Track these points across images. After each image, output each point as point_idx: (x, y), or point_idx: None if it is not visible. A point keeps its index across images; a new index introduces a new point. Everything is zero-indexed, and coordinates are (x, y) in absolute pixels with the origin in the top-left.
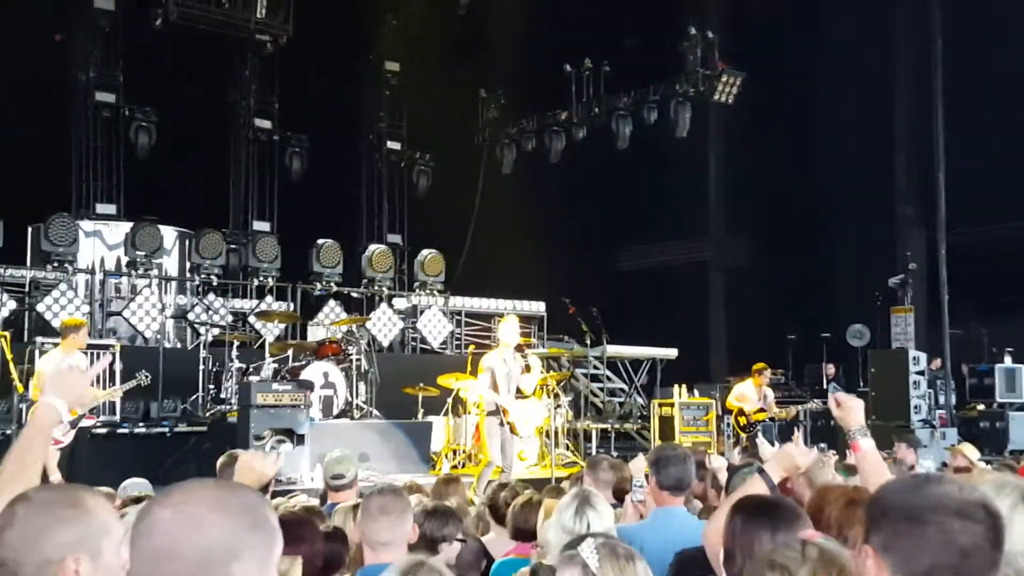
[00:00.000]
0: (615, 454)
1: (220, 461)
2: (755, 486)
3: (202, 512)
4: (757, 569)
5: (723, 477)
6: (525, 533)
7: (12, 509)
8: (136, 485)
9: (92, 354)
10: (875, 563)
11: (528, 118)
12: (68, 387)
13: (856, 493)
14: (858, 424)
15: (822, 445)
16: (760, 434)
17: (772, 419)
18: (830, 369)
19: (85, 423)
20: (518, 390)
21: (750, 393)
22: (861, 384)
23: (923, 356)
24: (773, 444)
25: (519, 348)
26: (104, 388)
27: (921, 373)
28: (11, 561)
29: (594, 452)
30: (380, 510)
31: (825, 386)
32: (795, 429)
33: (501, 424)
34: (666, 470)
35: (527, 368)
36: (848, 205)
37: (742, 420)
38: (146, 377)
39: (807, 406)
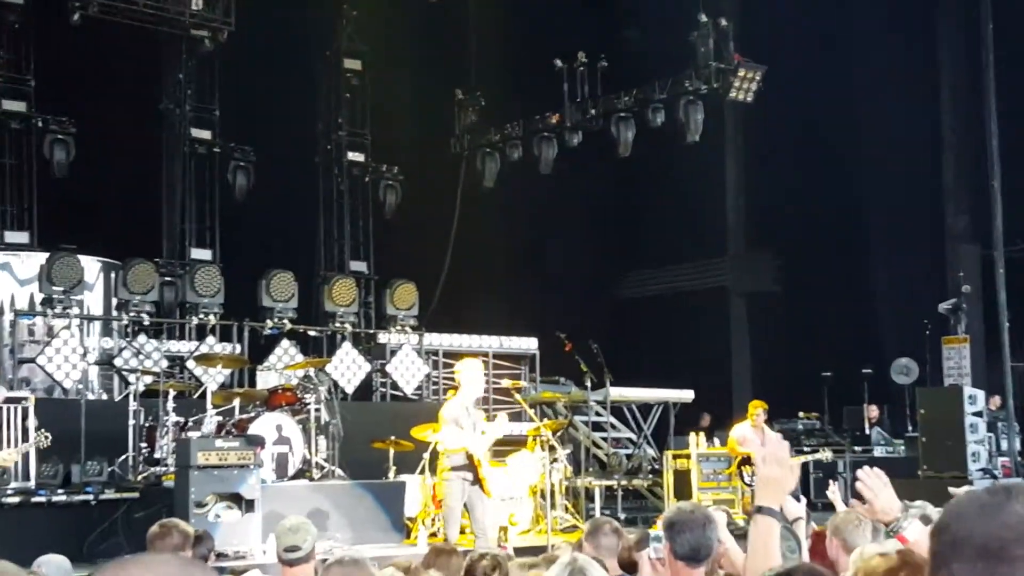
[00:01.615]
0: (622, 516)
1: (151, 531)
2: (762, 527)
3: None
4: None
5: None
6: None
7: None
8: (53, 564)
9: (6, 409)
10: None
11: (513, 122)
12: None
13: (902, 556)
14: (896, 510)
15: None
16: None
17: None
18: (872, 411)
19: None
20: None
21: (751, 436)
22: (909, 428)
23: (980, 394)
24: (799, 499)
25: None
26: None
27: (979, 414)
28: None
29: (597, 514)
30: None
31: (867, 431)
32: (830, 482)
33: (474, 483)
34: (680, 536)
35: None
36: (889, 218)
37: (747, 470)
38: (45, 438)
39: (818, 456)
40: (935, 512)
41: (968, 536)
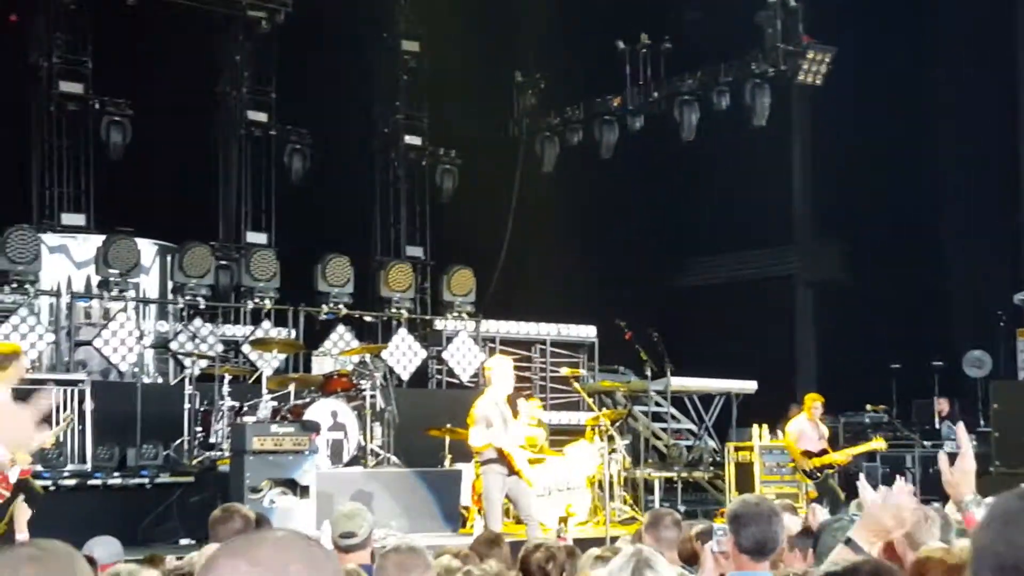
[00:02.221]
0: (682, 508)
1: (214, 515)
2: (840, 556)
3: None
4: None
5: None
6: None
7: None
8: (104, 546)
9: (63, 392)
10: None
11: (574, 106)
12: (6, 428)
13: (963, 555)
14: (970, 492)
15: (936, 505)
16: (863, 477)
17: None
18: (943, 405)
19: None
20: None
21: (808, 430)
22: (982, 423)
23: None
24: (876, 487)
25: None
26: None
27: None
28: None
29: (657, 506)
30: (398, 568)
31: (937, 425)
32: (898, 477)
33: (509, 475)
34: (746, 529)
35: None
36: (962, 206)
37: (808, 465)
38: (69, 417)
39: (872, 446)
40: None
41: (989, 546)
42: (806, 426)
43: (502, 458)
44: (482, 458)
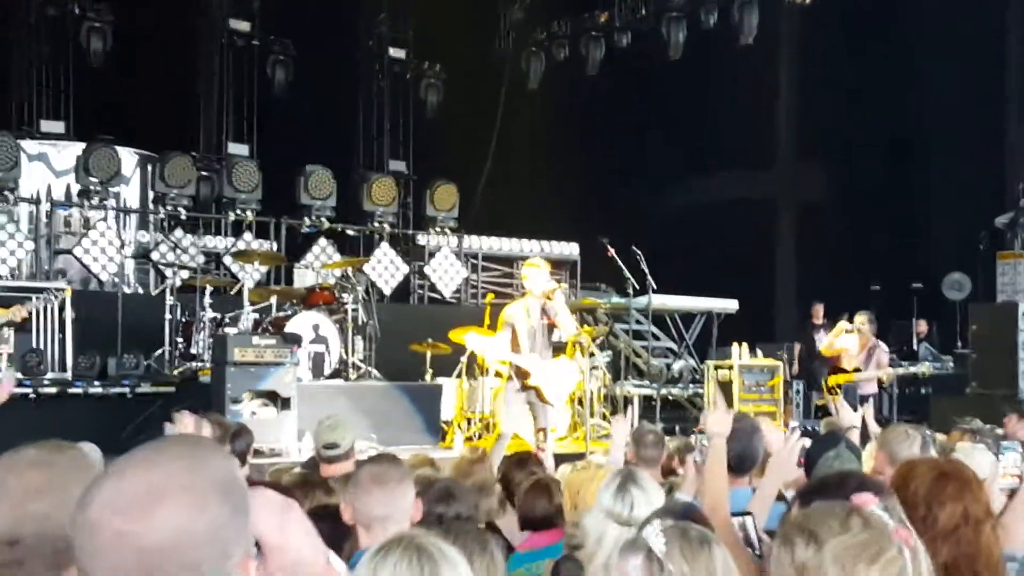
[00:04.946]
0: (660, 425)
1: None
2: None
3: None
4: (787, 531)
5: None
6: (532, 522)
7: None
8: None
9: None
10: None
11: (560, 21)
12: None
13: (950, 466)
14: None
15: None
16: (841, 397)
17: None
18: (922, 327)
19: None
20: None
21: (853, 348)
22: (959, 345)
23: None
24: (856, 409)
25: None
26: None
27: None
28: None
29: (635, 423)
30: (373, 480)
31: (916, 347)
32: (864, 402)
33: (523, 389)
34: (727, 445)
35: (547, 315)
36: (946, 127)
37: (836, 379)
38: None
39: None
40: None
41: None
42: (852, 345)
43: (519, 371)
44: (505, 368)
